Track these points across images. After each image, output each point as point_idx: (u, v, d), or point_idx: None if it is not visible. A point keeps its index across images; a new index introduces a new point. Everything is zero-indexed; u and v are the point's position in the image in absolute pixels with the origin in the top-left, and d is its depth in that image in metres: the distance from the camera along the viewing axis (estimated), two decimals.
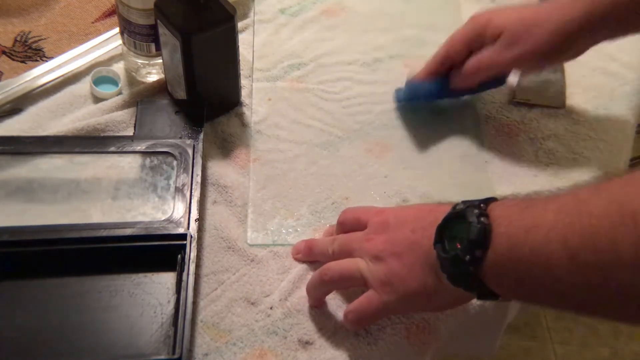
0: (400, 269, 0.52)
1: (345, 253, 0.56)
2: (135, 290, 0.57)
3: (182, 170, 0.64)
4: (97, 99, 0.71)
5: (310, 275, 0.59)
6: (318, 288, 0.57)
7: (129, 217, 0.60)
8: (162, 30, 0.64)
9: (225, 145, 0.68)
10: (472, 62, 0.67)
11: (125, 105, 0.70)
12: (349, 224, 0.59)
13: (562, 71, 0.75)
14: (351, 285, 0.57)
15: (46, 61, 0.73)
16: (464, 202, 0.49)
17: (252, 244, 0.61)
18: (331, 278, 0.56)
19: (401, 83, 0.75)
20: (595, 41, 0.64)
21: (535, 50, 0.64)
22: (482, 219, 0.46)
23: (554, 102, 0.73)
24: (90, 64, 0.74)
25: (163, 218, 0.60)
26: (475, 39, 0.67)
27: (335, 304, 0.58)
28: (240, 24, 0.78)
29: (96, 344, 0.54)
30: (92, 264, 0.58)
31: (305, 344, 0.56)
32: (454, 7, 0.83)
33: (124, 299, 0.56)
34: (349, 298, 0.58)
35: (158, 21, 0.64)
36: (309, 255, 0.60)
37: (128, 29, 0.69)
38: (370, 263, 0.54)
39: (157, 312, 0.56)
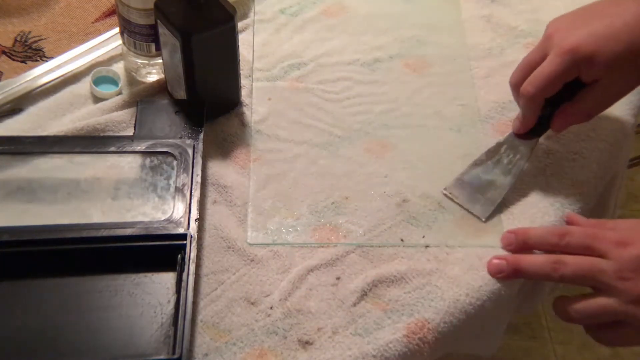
0: None
1: (584, 249, 0.57)
2: (135, 290, 0.57)
3: (182, 170, 0.64)
4: (97, 99, 0.71)
5: (310, 275, 0.59)
6: (538, 275, 0.58)
7: (129, 217, 0.60)
8: (162, 30, 0.64)
9: (225, 145, 0.68)
10: (570, 117, 0.63)
11: (125, 105, 0.70)
12: (575, 248, 0.58)
13: (515, 176, 0.65)
14: (580, 285, 0.57)
15: (46, 61, 0.73)
16: None
17: (252, 243, 0.61)
18: (562, 275, 0.56)
19: (401, 83, 0.75)
20: None
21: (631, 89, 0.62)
22: None
23: (476, 211, 0.64)
24: (90, 64, 0.74)
25: (163, 218, 0.60)
26: (572, 78, 0.61)
27: (335, 304, 0.58)
28: (240, 24, 0.78)
29: (96, 344, 0.54)
30: (92, 264, 0.58)
31: (305, 344, 0.56)
32: (454, 7, 0.83)
33: (124, 299, 0.56)
34: (348, 297, 0.58)
35: (158, 21, 0.64)
36: (524, 248, 0.60)
37: (128, 29, 0.69)
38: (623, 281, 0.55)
39: (157, 312, 0.56)
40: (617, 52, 0.58)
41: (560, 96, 0.62)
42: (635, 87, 0.63)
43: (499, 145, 0.67)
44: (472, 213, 0.64)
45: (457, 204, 0.64)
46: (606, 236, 0.57)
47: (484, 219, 0.63)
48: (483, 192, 0.64)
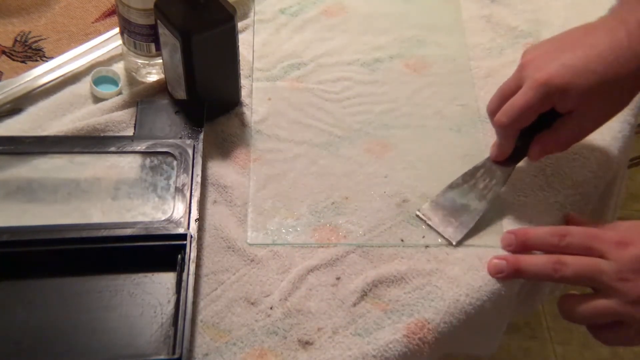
0: None
1: (584, 249, 0.57)
2: (135, 290, 0.57)
3: (182, 170, 0.64)
4: (97, 99, 0.71)
5: (310, 275, 0.59)
6: (538, 276, 0.58)
7: (129, 217, 0.60)
8: (162, 30, 0.64)
9: (225, 145, 0.68)
10: (547, 147, 0.63)
11: (125, 105, 0.70)
12: (575, 248, 0.58)
13: (490, 202, 0.64)
14: (581, 285, 0.58)
15: (46, 61, 0.73)
16: None
17: (252, 244, 0.61)
18: (563, 275, 0.56)
19: (401, 83, 0.75)
20: None
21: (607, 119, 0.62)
22: None
23: (448, 234, 0.63)
24: (90, 64, 0.74)
25: (163, 218, 0.60)
26: (546, 109, 0.60)
27: (335, 304, 0.58)
28: (240, 24, 0.78)
29: (96, 344, 0.54)
30: (92, 264, 0.58)
31: (305, 344, 0.56)
32: (454, 7, 0.83)
33: (124, 299, 0.56)
34: (348, 298, 0.58)
35: (158, 21, 0.64)
36: (524, 248, 0.60)
37: (128, 29, 0.69)
38: (623, 282, 0.55)
39: (157, 312, 0.56)
40: (591, 84, 0.58)
41: (537, 124, 0.61)
42: (612, 116, 0.62)
43: (475, 169, 0.66)
44: (443, 236, 0.63)
45: (429, 226, 0.63)
46: (606, 236, 0.57)
47: (454, 243, 0.62)
48: (456, 216, 0.63)
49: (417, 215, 0.64)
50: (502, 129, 0.62)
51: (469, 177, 0.66)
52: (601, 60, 0.58)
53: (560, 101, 0.59)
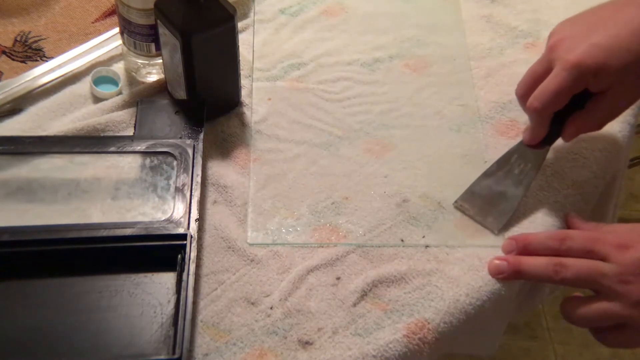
0: None
1: (585, 253, 0.57)
2: (135, 290, 0.57)
3: (182, 170, 0.64)
4: (97, 99, 0.71)
5: (310, 275, 0.59)
6: (539, 277, 0.58)
7: (129, 217, 0.60)
8: (162, 30, 0.64)
9: (225, 145, 0.68)
10: (581, 127, 0.63)
11: (125, 105, 0.70)
12: (576, 252, 0.58)
13: (527, 187, 0.64)
14: (582, 287, 0.58)
15: (46, 61, 0.73)
16: None
17: (252, 243, 0.61)
18: (563, 277, 0.56)
19: (401, 83, 0.75)
20: None
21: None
22: None
23: (488, 224, 0.63)
24: (90, 64, 0.74)
25: (163, 218, 0.60)
26: (579, 90, 0.60)
27: (335, 304, 0.58)
28: (240, 24, 0.78)
29: (96, 344, 0.54)
30: (92, 264, 0.58)
31: (305, 344, 0.56)
32: (454, 7, 0.83)
33: (124, 299, 0.56)
34: (348, 298, 0.58)
35: (158, 21, 0.64)
36: (525, 254, 0.60)
37: (128, 29, 0.69)
38: (624, 285, 0.55)
39: (157, 312, 0.56)
40: (624, 64, 0.57)
41: (570, 105, 0.61)
42: None
43: (509, 154, 0.66)
44: (484, 226, 0.63)
45: (469, 216, 0.64)
46: (607, 239, 0.57)
47: (496, 232, 0.62)
48: (495, 204, 0.63)
49: (455, 207, 0.64)
50: (535, 114, 0.61)
51: (504, 163, 0.65)
52: (635, 39, 0.57)
53: (594, 82, 0.58)
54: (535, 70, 0.61)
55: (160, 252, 0.58)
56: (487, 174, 0.65)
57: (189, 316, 0.53)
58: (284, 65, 0.76)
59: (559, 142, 0.69)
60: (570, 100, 0.60)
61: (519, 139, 0.70)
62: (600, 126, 0.63)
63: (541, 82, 0.60)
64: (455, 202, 0.65)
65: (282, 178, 0.66)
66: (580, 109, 0.62)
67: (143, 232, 0.58)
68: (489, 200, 0.64)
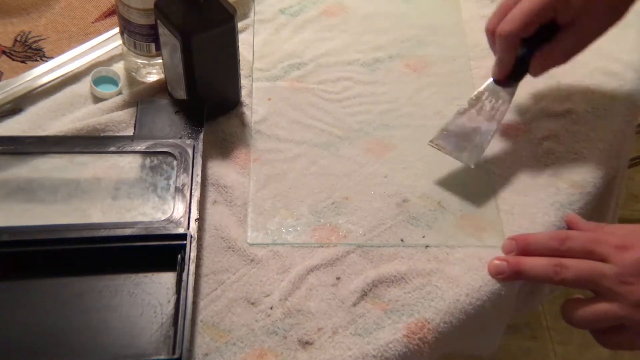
0: None
1: (585, 253, 0.57)
2: (135, 290, 0.57)
3: (182, 170, 0.64)
4: (97, 99, 0.71)
5: (310, 275, 0.59)
6: (539, 278, 0.58)
7: (129, 217, 0.60)
8: (162, 30, 0.64)
9: (225, 145, 0.68)
10: (548, 59, 0.64)
11: (125, 105, 0.70)
12: (576, 252, 0.58)
13: (499, 122, 0.66)
14: (582, 288, 0.58)
15: (46, 61, 0.73)
16: None
17: (252, 243, 0.61)
18: (563, 278, 0.56)
19: (401, 83, 0.75)
20: None
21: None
22: None
23: (464, 159, 0.65)
24: (90, 64, 0.74)
25: (163, 218, 0.60)
26: (548, 18, 0.61)
27: (335, 304, 0.58)
28: (240, 24, 0.78)
29: (96, 344, 0.54)
30: (92, 264, 0.58)
31: (305, 344, 0.56)
32: (454, 7, 0.83)
33: (124, 299, 0.56)
34: (348, 297, 0.58)
35: (158, 21, 0.64)
36: (525, 254, 0.60)
37: (128, 29, 0.69)
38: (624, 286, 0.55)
39: (157, 312, 0.56)
40: None
41: (536, 41, 0.62)
42: (610, 27, 0.63)
43: (480, 93, 0.67)
44: (461, 161, 0.64)
45: (445, 153, 0.65)
46: (607, 240, 0.57)
47: (472, 166, 0.64)
48: (469, 140, 0.65)
49: (430, 145, 0.65)
50: (505, 38, 0.62)
51: (475, 101, 0.66)
52: None
53: (563, 9, 0.60)
54: (505, 4, 0.63)
55: (160, 252, 0.58)
56: (459, 113, 0.67)
57: (189, 316, 0.53)
58: (284, 65, 0.76)
59: (560, 142, 0.69)
60: (538, 37, 0.62)
61: (519, 139, 0.70)
62: (566, 58, 0.64)
63: None
64: (431, 141, 0.66)
65: (282, 178, 0.66)
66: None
67: (143, 232, 0.58)
68: (464, 137, 0.65)
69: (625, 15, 0.63)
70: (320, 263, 0.60)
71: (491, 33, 0.64)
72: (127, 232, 0.58)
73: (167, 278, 0.58)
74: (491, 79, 0.67)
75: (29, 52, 0.75)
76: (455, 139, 0.65)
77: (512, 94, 0.66)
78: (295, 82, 0.75)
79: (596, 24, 0.62)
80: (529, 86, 0.74)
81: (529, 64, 0.64)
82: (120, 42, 0.72)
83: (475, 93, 0.67)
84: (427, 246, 0.62)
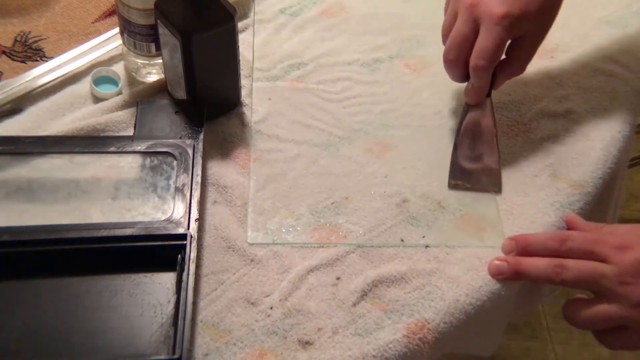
0: None
1: (585, 254, 0.57)
2: (135, 290, 0.57)
3: (182, 170, 0.64)
4: (97, 99, 0.71)
5: (310, 275, 0.59)
6: (539, 278, 0.58)
7: (129, 217, 0.60)
8: (162, 30, 0.64)
9: (225, 145, 0.68)
10: (509, 75, 0.68)
11: (125, 105, 0.70)
12: (576, 253, 0.58)
13: (496, 137, 0.68)
14: (582, 289, 0.58)
15: (46, 61, 0.73)
16: None
17: (252, 243, 0.61)
18: (564, 279, 0.57)
19: (401, 83, 0.75)
20: None
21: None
22: None
23: (490, 187, 0.66)
24: (90, 64, 0.74)
25: (163, 218, 0.60)
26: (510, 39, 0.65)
27: (335, 304, 0.58)
28: (240, 24, 0.78)
29: (96, 344, 0.54)
30: (92, 264, 0.58)
31: (305, 344, 0.56)
32: None
33: (124, 299, 0.56)
34: (348, 298, 0.58)
35: (158, 21, 0.64)
36: (525, 255, 0.60)
37: (128, 29, 0.69)
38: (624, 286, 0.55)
39: (157, 312, 0.56)
40: (539, 7, 0.62)
41: None
42: (548, 31, 0.66)
43: (461, 123, 0.69)
44: (487, 191, 0.65)
45: (468, 189, 0.65)
46: (607, 240, 0.57)
47: (500, 193, 0.65)
48: (480, 167, 0.66)
49: (450, 187, 0.66)
50: (482, 72, 0.64)
51: (464, 131, 0.68)
52: None
53: (518, 29, 0.63)
54: (463, 32, 0.64)
55: (160, 252, 0.58)
56: (456, 146, 0.68)
57: (189, 316, 0.53)
58: (284, 65, 0.76)
59: (560, 142, 0.69)
60: None
61: (519, 139, 0.70)
62: (523, 69, 0.67)
63: (471, 43, 0.64)
64: (449, 182, 0.66)
65: (282, 178, 0.66)
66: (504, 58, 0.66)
67: (143, 232, 0.58)
68: (475, 166, 0.66)
69: (553, 19, 0.66)
70: (320, 263, 0.60)
71: (452, 62, 0.66)
72: (127, 232, 0.58)
73: (167, 278, 0.58)
74: (464, 106, 0.69)
75: (29, 52, 0.75)
76: (468, 172, 0.66)
77: (491, 107, 0.68)
78: (295, 82, 0.75)
79: (543, 32, 0.66)
80: (529, 86, 0.74)
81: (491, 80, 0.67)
82: (120, 42, 0.72)
83: (459, 125, 0.69)
84: (427, 246, 0.62)
